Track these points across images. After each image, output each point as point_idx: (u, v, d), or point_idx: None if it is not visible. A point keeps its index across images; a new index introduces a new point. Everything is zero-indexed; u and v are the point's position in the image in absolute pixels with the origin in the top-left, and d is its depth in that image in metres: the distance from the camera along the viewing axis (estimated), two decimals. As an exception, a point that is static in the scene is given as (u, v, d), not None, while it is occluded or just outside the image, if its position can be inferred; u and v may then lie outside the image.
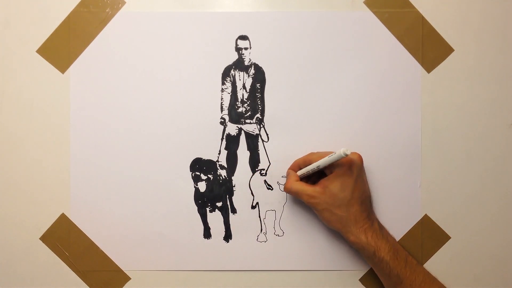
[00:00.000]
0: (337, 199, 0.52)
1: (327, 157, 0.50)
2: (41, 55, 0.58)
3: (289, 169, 0.57)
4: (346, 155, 0.48)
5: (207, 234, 0.59)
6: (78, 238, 0.59)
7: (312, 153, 0.55)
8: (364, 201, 0.53)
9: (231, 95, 0.59)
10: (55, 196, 0.58)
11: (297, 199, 0.58)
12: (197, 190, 0.59)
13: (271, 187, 0.59)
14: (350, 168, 0.52)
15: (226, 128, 0.59)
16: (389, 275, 0.52)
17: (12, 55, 0.58)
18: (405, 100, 0.58)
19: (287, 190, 0.55)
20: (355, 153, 0.54)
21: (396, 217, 0.58)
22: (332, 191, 0.52)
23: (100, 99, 0.58)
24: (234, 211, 0.59)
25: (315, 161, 0.53)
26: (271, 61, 0.58)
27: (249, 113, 0.59)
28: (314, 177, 0.56)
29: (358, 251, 0.54)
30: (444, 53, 0.58)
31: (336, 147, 0.58)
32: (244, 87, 0.58)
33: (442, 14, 0.58)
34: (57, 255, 0.59)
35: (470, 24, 0.58)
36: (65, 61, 0.58)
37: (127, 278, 0.59)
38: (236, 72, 0.58)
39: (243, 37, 0.58)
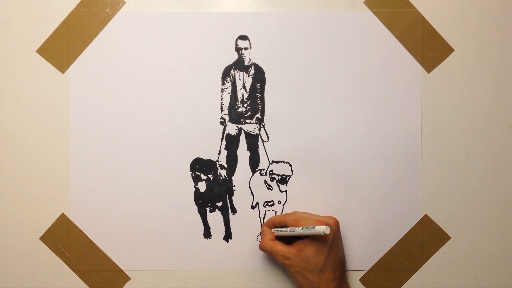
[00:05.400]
0: (310, 263, 0.51)
1: (304, 228, 0.50)
2: (41, 55, 0.58)
3: (264, 225, 0.57)
4: (325, 234, 0.48)
5: (207, 234, 0.59)
6: (78, 238, 0.59)
7: (287, 215, 0.55)
8: (337, 267, 0.52)
9: (231, 95, 0.59)
10: (55, 196, 0.58)
11: (297, 198, 0.58)
12: (197, 190, 0.59)
13: (271, 187, 0.59)
14: (324, 236, 0.51)
15: (226, 128, 0.59)
16: None
17: (12, 55, 0.58)
18: (405, 100, 0.58)
19: (262, 248, 0.55)
20: (331, 217, 0.54)
21: (396, 217, 0.58)
22: (306, 255, 0.51)
23: (100, 99, 0.58)
24: (234, 211, 0.59)
25: (290, 224, 0.53)
26: (271, 61, 0.58)
27: (249, 113, 0.59)
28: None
29: None
30: (444, 53, 0.58)
31: (336, 147, 0.58)
32: (244, 87, 0.59)
33: (442, 14, 0.58)
34: (57, 255, 0.59)
35: (470, 24, 0.58)
36: (65, 61, 0.58)
37: (127, 278, 0.59)
38: (236, 72, 0.58)
39: (243, 37, 0.58)
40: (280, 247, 0.53)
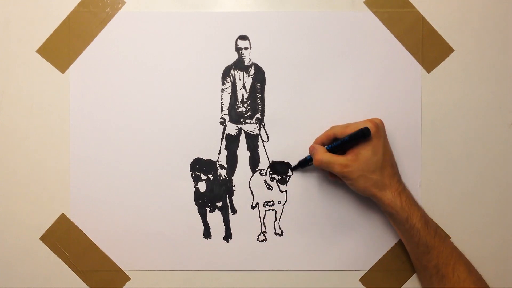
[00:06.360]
0: (370, 163, 0.51)
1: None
2: (41, 55, 0.58)
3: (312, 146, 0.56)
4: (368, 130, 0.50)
5: (207, 234, 0.59)
6: (78, 238, 0.59)
7: (332, 128, 0.55)
8: (393, 164, 0.54)
9: (231, 95, 0.59)
10: (55, 196, 0.58)
11: (297, 199, 0.58)
12: (197, 190, 0.59)
13: (271, 187, 0.59)
14: (377, 132, 0.52)
15: (226, 128, 0.59)
16: (418, 243, 0.52)
17: (12, 55, 0.58)
18: (405, 100, 0.58)
19: (318, 162, 0.53)
20: (378, 118, 0.55)
21: (396, 217, 0.58)
22: (365, 156, 0.51)
23: (100, 99, 0.58)
24: (234, 211, 0.59)
25: (341, 134, 0.53)
26: (271, 61, 0.58)
27: (249, 113, 0.59)
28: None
29: (389, 216, 0.54)
30: (444, 53, 0.58)
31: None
32: (244, 87, 0.59)
33: (442, 14, 0.58)
34: (57, 255, 0.59)
35: (470, 24, 0.58)
36: (65, 61, 0.58)
37: (127, 278, 0.59)
38: (236, 72, 0.58)
39: (243, 37, 0.58)
40: (336, 157, 0.53)
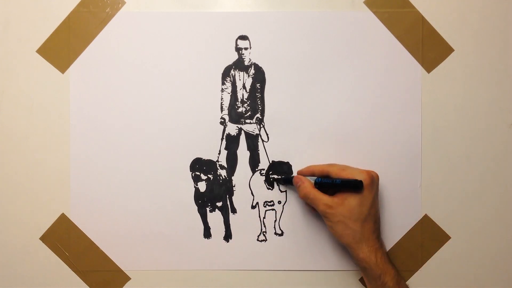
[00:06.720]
0: (354, 212, 0.51)
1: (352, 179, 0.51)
2: (41, 55, 0.58)
3: (299, 174, 0.56)
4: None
5: (207, 234, 0.59)
6: (78, 238, 0.59)
7: (329, 165, 0.55)
8: (377, 220, 0.53)
9: (231, 95, 0.59)
10: (55, 196, 0.58)
11: (297, 199, 0.58)
12: (197, 190, 0.59)
13: (271, 187, 0.59)
14: (371, 184, 0.52)
15: (226, 128, 0.59)
16: None
17: (12, 55, 0.58)
18: (405, 100, 0.58)
19: (303, 196, 0.54)
20: (374, 172, 0.54)
21: (396, 217, 0.58)
22: (351, 204, 0.51)
23: (100, 99, 0.58)
24: (234, 211, 0.59)
25: (335, 175, 0.53)
26: (271, 61, 0.58)
27: (249, 113, 0.59)
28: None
29: (362, 270, 0.54)
30: (444, 53, 0.58)
31: (336, 147, 0.58)
32: (244, 87, 0.59)
33: (442, 14, 0.58)
34: (57, 255, 0.59)
35: (470, 24, 0.58)
36: (65, 61, 0.58)
37: (127, 278, 0.59)
38: (236, 72, 0.58)
39: (243, 37, 0.58)
40: (322, 195, 0.52)
